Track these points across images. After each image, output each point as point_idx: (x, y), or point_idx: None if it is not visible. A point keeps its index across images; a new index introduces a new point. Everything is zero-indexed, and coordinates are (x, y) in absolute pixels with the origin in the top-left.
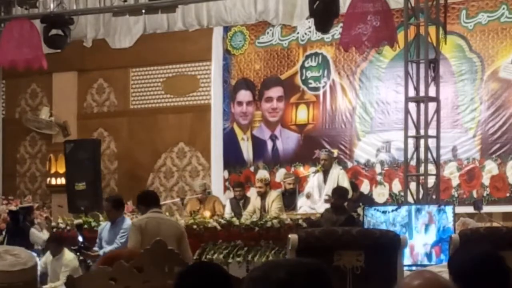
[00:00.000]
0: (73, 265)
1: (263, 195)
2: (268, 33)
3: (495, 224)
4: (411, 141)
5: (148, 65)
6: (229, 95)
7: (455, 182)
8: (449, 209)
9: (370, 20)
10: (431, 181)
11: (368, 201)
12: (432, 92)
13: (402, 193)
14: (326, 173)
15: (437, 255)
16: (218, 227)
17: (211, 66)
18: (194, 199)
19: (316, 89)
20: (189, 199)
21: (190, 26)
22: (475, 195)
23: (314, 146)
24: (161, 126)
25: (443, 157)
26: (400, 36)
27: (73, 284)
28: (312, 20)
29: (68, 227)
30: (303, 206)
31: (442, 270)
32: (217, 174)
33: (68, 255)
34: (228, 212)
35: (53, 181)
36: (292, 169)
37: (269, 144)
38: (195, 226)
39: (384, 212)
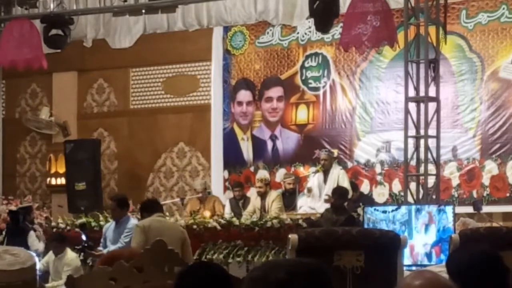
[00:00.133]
0: (75, 264)
1: (263, 195)
2: (268, 33)
3: (494, 224)
4: (411, 141)
5: (148, 65)
6: (229, 95)
7: (455, 182)
8: (449, 209)
9: (370, 20)
10: (431, 181)
11: (368, 201)
12: (432, 92)
13: (402, 193)
14: (326, 173)
15: (437, 255)
16: (218, 227)
17: (211, 66)
18: (194, 199)
19: (316, 89)
20: (189, 199)
21: (190, 26)
22: (475, 195)
23: (314, 146)
24: (161, 126)
25: (443, 157)
26: (400, 36)
27: (73, 284)
28: (312, 20)
29: (68, 227)
30: (303, 206)
31: (442, 270)
32: (217, 174)
33: (70, 255)
34: (227, 212)
35: (53, 181)
36: (292, 169)
37: (269, 144)
38: (195, 226)
39: (384, 212)
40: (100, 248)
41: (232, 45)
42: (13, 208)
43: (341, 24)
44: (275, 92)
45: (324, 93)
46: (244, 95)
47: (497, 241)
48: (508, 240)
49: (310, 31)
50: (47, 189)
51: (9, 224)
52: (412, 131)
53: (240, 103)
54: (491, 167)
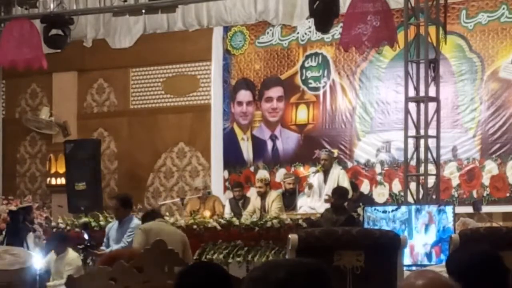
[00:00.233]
0: (76, 264)
1: (263, 195)
2: (268, 33)
3: (494, 225)
4: (411, 141)
5: (148, 65)
6: (229, 95)
7: (455, 182)
8: (449, 209)
9: (370, 20)
10: (431, 181)
11: (368, 201)
12: (432, 92)
13: (402, 193)
14: (326, 173)
15: (437, 255)
16: (218, 227)
17: (211, 66)
18: (194, 198)
19: (316, 89)
20: (189, 199)
21: (190, 26)
22: (475, 195)
23: (314, 146)
24: (161, 126)
25: (443, 157)
26: (400, 36)
27: (73, 283)
28: (312, 20)
29: (68, 227)
30: (303, 206)
31: (442, 270)
32: (217, 174)
33: (72, 254)
34: (227, 213)
35: (53, 181)
36: (292, 169)
37: (269, 144)
38: (195, 226)
39: (384, 212)
40: (102, 247)
41: (232, 45)
42: (13, 208)
43: (341, 24)
44: (275, 92)
45: (324, 93)
46: (244, 95)
47: (497, 241)
48: (508, 240)
49: (310, 31)
50: (47, 189)
51: (9, 224)
52: (412, 131)
53: (240, 103)
54: (491, 167)
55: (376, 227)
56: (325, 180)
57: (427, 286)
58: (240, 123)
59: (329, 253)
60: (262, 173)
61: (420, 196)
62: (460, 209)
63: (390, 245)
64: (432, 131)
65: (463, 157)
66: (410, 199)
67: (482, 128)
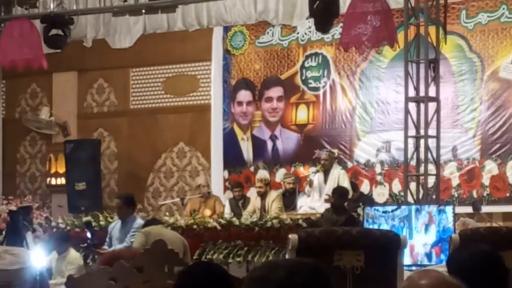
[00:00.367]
0: (78, 263)
1: (263, 195)
2: (268, 33)
3: (494, 225)
4: (411, 141)
5: (148, 65)
6: (229, 95)
7: (455, 182)
8: (449, 209)
9: (370, 20)
10: (431, 181)
11: (368, 201)
12: (432, 92)
13: (402, 193)
14: (326, 173)
15: (437, 255)
16: (218, 227)
17: (211, 66)
18: (195, 198)
19: (316, 89)
20: (189, 199)
21: (190, 26)
22: (475, 195)
23: (314, 146)
24: (161, 126)
25: (443, 157)
26: (400, 36)
27: (74, 283)
28: (312, 20)
29: (68, 227)
30: (303, 206)
31: (442, 270)
32: (217, 174)
33: (73, 253)
34: (227, 213)
35: (53, 181)
36: (292, 169)
37: (269, 144)
38: (195, 226)
39: (384, 212)
40: (105, 247)
41: (232, 45)
42: (13, 208)
43: (341, 24)
44: (275, 92)
45: (324, 93)
46: (244, 95)
47: (497, 241)
48: (508, 240)
49: (310, 31)
50: (47, 189)
51: (9, 224)
52: (412, 131)
53: (240, 103)
54: (491, 167)
55: (375, 225)
56: (325, 180)
57: (432, 286)
58: (240, 123)
59: (329, 253)
60: (262, 173)
61: (420, 196)
62: (460, 209)
63: (390, 245)
64: (432, 131)
65: (463, 157)
66: (410, 199)
67: (482, 128)
